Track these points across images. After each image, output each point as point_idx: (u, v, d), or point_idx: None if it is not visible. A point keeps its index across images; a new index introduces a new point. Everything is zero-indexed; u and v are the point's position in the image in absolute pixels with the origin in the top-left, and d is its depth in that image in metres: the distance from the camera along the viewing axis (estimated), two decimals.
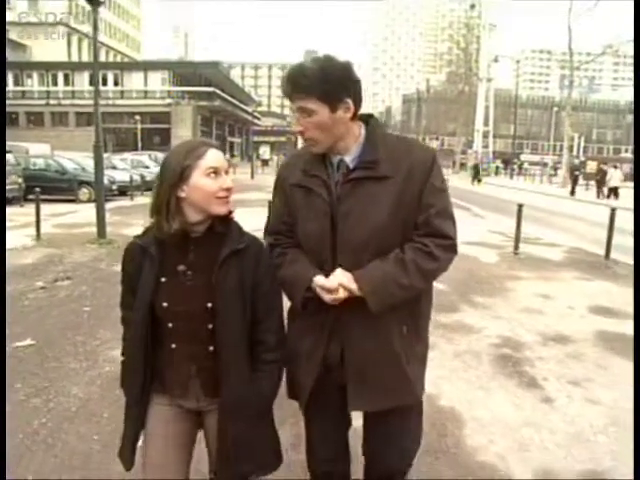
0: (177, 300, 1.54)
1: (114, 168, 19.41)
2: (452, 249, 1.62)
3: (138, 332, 1.58)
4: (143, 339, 1.57)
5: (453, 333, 4.64)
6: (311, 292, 1.61)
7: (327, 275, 1.58)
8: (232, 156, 51.18)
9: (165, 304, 1.54)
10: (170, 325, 1.56)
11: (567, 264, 8.03)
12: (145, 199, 15.46)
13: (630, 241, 9.24)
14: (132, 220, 11.24)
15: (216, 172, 1.51)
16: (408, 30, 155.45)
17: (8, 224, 10.92)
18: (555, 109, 41.65)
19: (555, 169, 42.53)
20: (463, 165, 50.75)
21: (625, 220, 9.26)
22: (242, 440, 1.57)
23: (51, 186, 15.52)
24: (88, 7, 8.68)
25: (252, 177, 29.91)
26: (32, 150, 20.72)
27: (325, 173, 1.63)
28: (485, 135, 46.67)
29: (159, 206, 1.51)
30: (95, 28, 8.63)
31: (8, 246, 8.29)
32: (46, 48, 49.50)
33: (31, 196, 13.92)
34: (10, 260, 7.26)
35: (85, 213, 12.46)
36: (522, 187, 30.52)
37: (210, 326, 1.54)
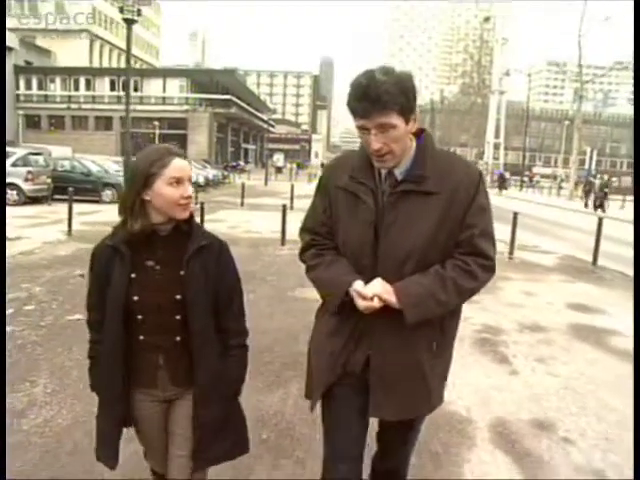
0: (148, 293, 1.64)
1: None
2: (492, 269, 1.64)
3: (115, 328, 1.65)
4: (120, 334, 1.65)
5: None
6: (348, 296, 1.61)
7: (365, 282, 1.59)
8: (246, 162, 52.16)
9: (136, 297, 1.64)
10: (139, 317, 1.66)
11: (556, 269, 8.68)
12: None
13: (619, 249, 9.86)
14: None
15: (178, 181, 1.61)
16: (424, 41, 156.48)
17: (39, 221, 11.82)
18: (567, 122, 41.98)
19: (561, 181, 42.91)
20: None
21: (614, 229, 9.87)
22: (216, 424, 1.71)
23: (76, 187, 16.37)
24: (111, 15, 9.52)
25: (266, 184, 30.73)
26: (55, 152, 21.71)
27: (373, 182, 1.63)
28: (496, 147, 47.20)
29: (126, 207, 1.63)
30: (129, 42, 9.46)
31: (44, 240, 9.14)
32: (69, 54, 50.92)
33: (57, 196, 14.90)
34: (48, 252, 8.10)
35: (109, 213, 13.24)
36: (530, 199, 31.04)
37: (178, 317, 1.66)
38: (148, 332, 1.67)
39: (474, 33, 56.07)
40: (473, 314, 5.61)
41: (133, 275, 1.64)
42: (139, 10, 9.52)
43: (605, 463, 2.88)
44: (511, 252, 9.36)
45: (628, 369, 4.28)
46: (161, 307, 1.65)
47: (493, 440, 3.09)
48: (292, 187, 17.14)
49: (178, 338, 1.67)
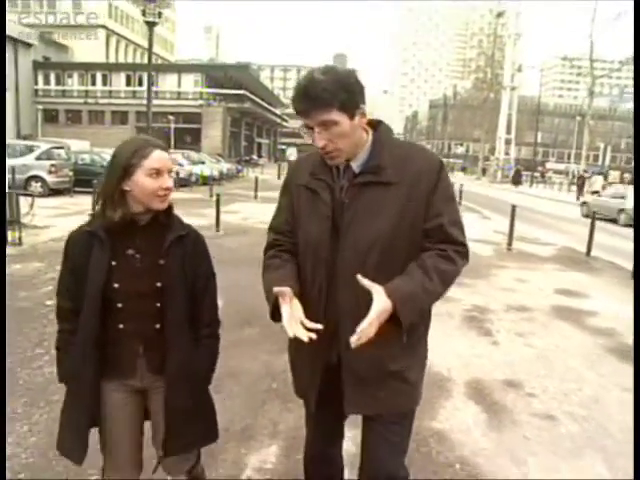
0: (128, 281, 1.65)
1: None
2: (466, 256, 1.64)
3: (92, 315, 1.64)
4: (97, 322, 1.64)
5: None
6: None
7: (324, 274, 1.63)
8: (259, 156, 52.77)
9: (116, 285, 1.64)
10: (119, 305, 1.66)
11: (551, 259, 9.16)
12: (180, 194, 16.98)
13: (613, 241, 10.28)
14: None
15: (158, 172, 1.62)
16: (437, 35, 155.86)
17: (63, 211, 12.51)
18: (578, 118, 42.03)
19: (573, 177, 43.05)
20: (485, 171, 51.52)
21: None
22: (187, 412, 1.72)
23: (96, 180, 17.07)
24: (126, 11, 10.13)
25: (279, 177, 31.30)
26: (73, 146, 22.43)
27: (330, 177, 1.65)
28: (508, 142, 47.33)
29: (105, 196, 1.64)
30: (150, 43, 10.07)
31: (70, 228, 9.76)
32: (86, 49, 51.81)
33: (77, 188, 15.59)
34: None
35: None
36: (536, 194, 31.37)
37: (158, 304, 1.68)
38: (128, 320, 1.68)
39: (488, 27, 55.86)
40: (465, 297, 6.15)
41: (113, 263, 1.65)
42: (160, 13, 10.13)
43: (558, 411, 3.43)
44: (509, 243, 9.85)
45: (599, 342, 4.83)
46: (142, 295, 1.67)
47: (467, 393, 3.64)
48: None
49: (158, 325, 1.69)
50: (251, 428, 3.06)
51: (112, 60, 54.36)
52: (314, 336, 1.51)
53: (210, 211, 12.56)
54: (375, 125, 1.69)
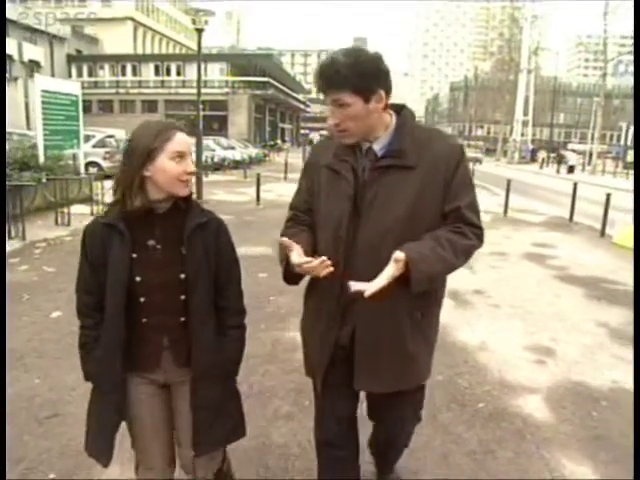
0: (151, 273, 1.59)
1: None
2: (481, 238, 1.68)
3: (117, 310, 1.58)
4: (123, 318, 1.58)
5: None
6: (290, 266, 1.63)
7: (342, 252, 1.65)
8: (283, 141, 54.57)
9: (139, 278, 1.58)
10: (142, 299, 1.61)
11: (538, 224, 10.90)
12: (215, 177, 19.06)
13: (592, 209, 11.86)
14: (212, 190, 14.57)
15: (181, 156, 1.55)
16: (459, 16, 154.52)
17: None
18: (596, 99, 42.71)
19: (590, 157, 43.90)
20: (506, 153, 52.53)
21: (590, 192, 11.89)
22: (214, 407, 1.69)
23: None
24: (152, 2, 11.92)
25: (303, 160, 33.03)
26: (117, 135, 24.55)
27: (354, 159, 1.68)
28: (526, 124, 48.26)
29: (125, 183, 1.55)
30: (199, 47, 11.98)
31: None
32: (115, 40, 54.00)
33: None
34: None
35: None
36: (548, 174, 32.98)
37: (183, 297, 1.62)
38: (151, 314, 1.63)
39: (502, 12, 56.31)
40: None
41: (134, 255, 1.59)
42: (206, 20, 11.99)
43: (504, 303, 5.30)
44: (505, 211, 11.60)
45: (551, 273, 6.62)
46: (165, 287, 1.62)
47: (446, 294, 5.44)
48: None
49: (182, 319, 1.65)
50: None
51: (139, 51, 56.54)
52: (331, 268, 1.55)
53: (247, 189, 14.54)
54: (399, 109, 1.72)
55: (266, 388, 3.33)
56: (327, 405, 1.91)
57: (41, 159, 9.86)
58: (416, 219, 1.62)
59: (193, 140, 24.85)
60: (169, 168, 1.53)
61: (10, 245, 6.90)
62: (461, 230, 1.63)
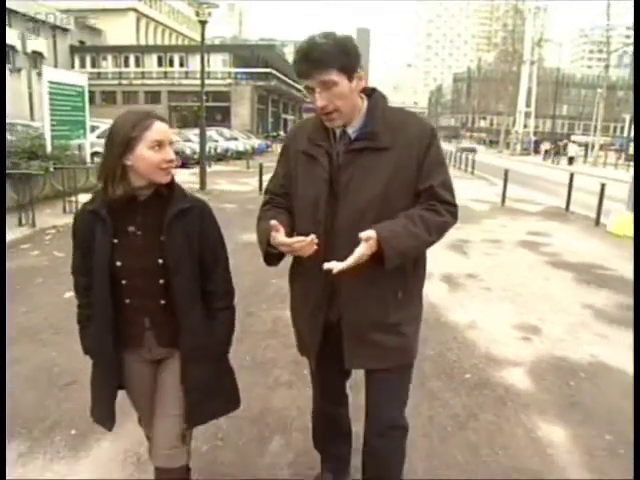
0: (130, 258, 1.66)
1: (188, 141, 23.02)
2: (455, 214, 1.73)
3: (102, 292, 1.67)
4: (108, 298, 1.67)
5: None
6: (274, 248, 1.67)
7: (322, 235, 1.65)
8: (286, 132, 54.55)
9: (119, 263, 1.65)
10: (124, 282, 1.68)
11: (535, 213, 11.11)
12: (218, 167, 19.27)
13: (590, 199, 12.04)
14: (216, 180, 14.81)
15: (160, 145, 1.58)
16: (462, 7, 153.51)
17: None
18: (599, 90, 42.66)
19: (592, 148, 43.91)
20: (508, 144, 52.52)
21: (589, 184, 12.09)
22: (206, 382, 1.76)
23: None
24: None
25: None
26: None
27: (328, 143, 1.72)
28: (528, 115, 48.24)
29: (106, 172, 1.60)
30: (202, 39, 12.15)
31: None
32: (117, 31, 53.97)
33: None
34: None
35: (178, 177, 16.17)
36: (550, 165, 33.00)
37: (161, 281, 1.67)
38: (133, 295, 1.70)
39: (505, 3, 56.06)
40: (453, 233, 8.16)
41: (115, 240, 1.65)
42: (210, 12, 12.16)
43: (496, 287, 5.53)
44: (503, 201, 11.80)
45: (543, 259, 6.84)
46: (144, 272, 1.67)
47: (440, 278, 5.73)
48: None
49: (163, 302, 1.70)
50: None
51: (142, 42, 56.52)
52: (316, 240, 1.59)
53: (250, 180, 14.75)
54: (369, 92, 1.75)
55: (267, 359, 3.58)
56: (322, 380, 2.05)
57: (48, 149, 10.10)
58: (392, 199, 1.66)
59: (175, 130, 25.04)
60: (148, 156, 1.57)
61: (20, 232, 7.15)
62: (435, 208, 1.67)
